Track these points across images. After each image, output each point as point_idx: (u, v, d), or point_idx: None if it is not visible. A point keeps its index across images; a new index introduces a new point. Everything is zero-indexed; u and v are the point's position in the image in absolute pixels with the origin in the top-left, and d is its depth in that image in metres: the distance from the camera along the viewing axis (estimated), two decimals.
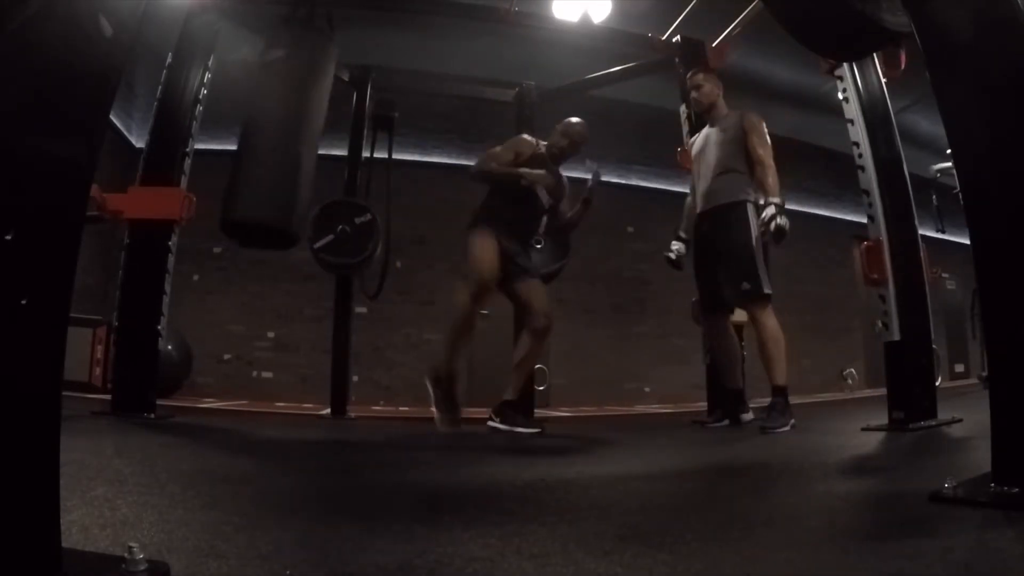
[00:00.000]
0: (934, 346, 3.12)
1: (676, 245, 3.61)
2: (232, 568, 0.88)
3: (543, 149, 3.47)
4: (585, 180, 3.55)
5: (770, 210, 3.12)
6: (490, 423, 3.23)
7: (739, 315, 3.84)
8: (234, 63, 3.94)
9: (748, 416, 3.44)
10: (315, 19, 3.26)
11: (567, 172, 3.61)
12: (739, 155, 3.30)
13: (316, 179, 3.39)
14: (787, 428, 3.00)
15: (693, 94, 3.59)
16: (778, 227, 3.09)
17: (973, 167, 1.43)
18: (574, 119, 3.55)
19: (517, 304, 3.35)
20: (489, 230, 3.19)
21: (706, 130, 3.57)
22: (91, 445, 2.04)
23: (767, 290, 3.19)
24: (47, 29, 0.77)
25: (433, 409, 3.13)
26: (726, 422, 3.44)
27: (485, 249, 3.14)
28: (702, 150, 3.52)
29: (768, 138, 3.32)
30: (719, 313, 3.47)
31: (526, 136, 3.56)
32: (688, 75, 3.67)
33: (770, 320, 3.18)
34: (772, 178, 3.20)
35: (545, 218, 3.51)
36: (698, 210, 3.48)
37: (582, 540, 1.07)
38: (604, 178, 3.78)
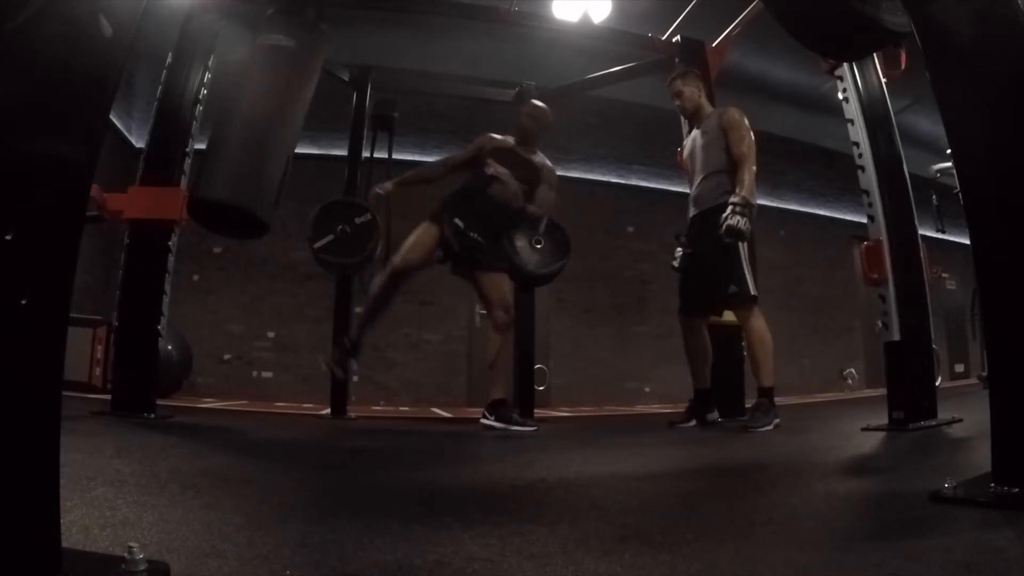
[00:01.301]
0: (934, 346, 3.12)
1: (679, 252, 3.54)
2: (232, 568, 0.88)
3: (511, 142, 3.56)
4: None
5: (728, 209, 3.03)
6: (483, 420, 3.25)
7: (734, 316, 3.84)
8: (234, 63, 3.93)
9: (713, 415, 3.42)
10: (305, 11, 3.24)
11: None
12: (722, 156, 3.27)
13: (315, 178, 3.39)
14: (770, 427, 3.00)
15: (676, 103, 3.55)
16: (728, 227, 2.99)
17: (973, 167, 1.43)
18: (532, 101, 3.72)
19: (480, 296, 3.45)
20: (437, 221, 3.39)
21: (694, 132, 3.55)
22: (91, 445, 2.04)
23: (753, 292, 3.18)
24: (47, 29, 0.77)
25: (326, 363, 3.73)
26: (693, 422, 3.40)
27: (417, 237, 3.39)
28: (691, 153, 3.52)
29: (749, 133, 3.25)
30: (696, 315, 3.44)
31: (491, 134, 3.64)
32: (666, 84, 3.59)
33: (758, 322, 3.16)
34: (746, 173, 3.12)
35: (543, 220, 3.51)
36: (689, 214, 3.48)
37: (582, 540, 1.07)
38: (604, 178, 3.80)
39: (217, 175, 2.87)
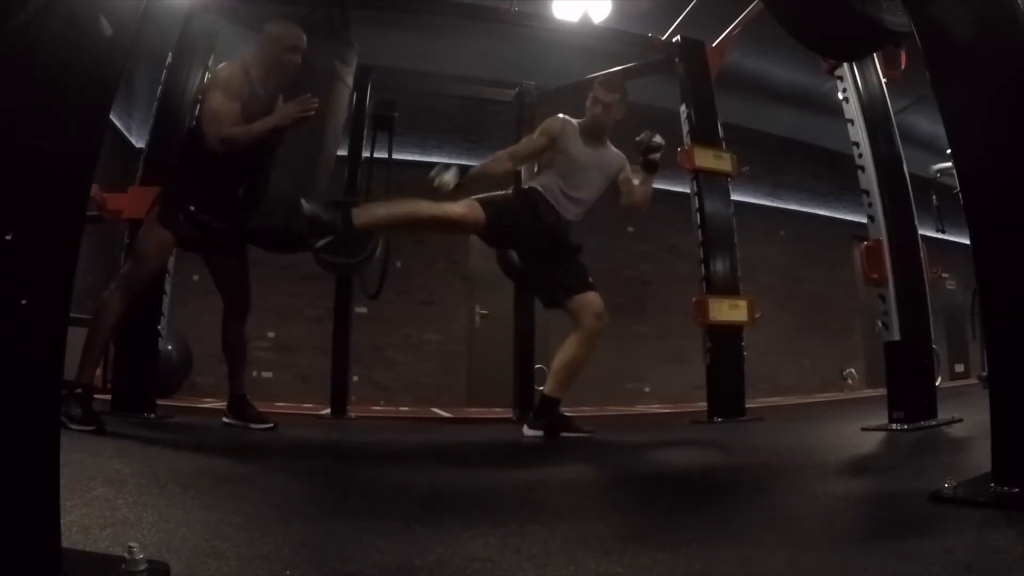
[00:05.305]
0: (934, 346, 3.12)
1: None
2: (232, 568, 0.88)
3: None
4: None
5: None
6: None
7: (737, 314, 3.84)
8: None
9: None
10: (333, 24, 3.17)
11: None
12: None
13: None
14: None
15: (597, 110, 3.13)
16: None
17: (973, 167, 1.43)
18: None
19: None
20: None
21: (586, 145, 3.14)
22: (91, 445, 2.04)
23: None
24: (47, 29, 0.77)
25: None
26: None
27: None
28: (584, 163, 3.15)
29: None
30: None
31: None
32: (608, 86, 3.21)
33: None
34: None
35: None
36: (561, 211, 3.17)
37: (582, 540, 1.07)
38: None
39: (270, 203, 2.93)
